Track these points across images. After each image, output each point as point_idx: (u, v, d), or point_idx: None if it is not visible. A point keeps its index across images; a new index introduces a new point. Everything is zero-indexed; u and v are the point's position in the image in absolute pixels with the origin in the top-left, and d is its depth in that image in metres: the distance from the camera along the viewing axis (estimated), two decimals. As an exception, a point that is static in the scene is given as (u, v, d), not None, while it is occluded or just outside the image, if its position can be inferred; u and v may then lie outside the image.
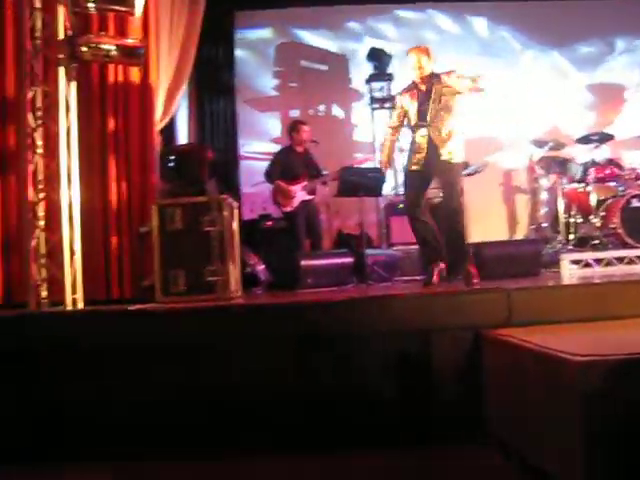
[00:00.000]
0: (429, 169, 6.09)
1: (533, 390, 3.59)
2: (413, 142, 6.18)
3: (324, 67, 10.12)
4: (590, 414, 3.07)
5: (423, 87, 6.14)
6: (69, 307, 5.20)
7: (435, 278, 5.90)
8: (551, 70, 10.18)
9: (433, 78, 6.12)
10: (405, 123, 6.30)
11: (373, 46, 9.61)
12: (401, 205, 8.08)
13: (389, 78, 9.46)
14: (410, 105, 6.16)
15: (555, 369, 3.33)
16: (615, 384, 3.10)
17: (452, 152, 6.07)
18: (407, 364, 4.35)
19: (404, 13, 10.15)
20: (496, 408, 4.14)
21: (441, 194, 6.32)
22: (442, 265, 5.99)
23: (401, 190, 8.24)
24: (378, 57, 9.48)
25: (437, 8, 10.17)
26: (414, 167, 6.13)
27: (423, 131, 6.08)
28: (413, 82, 6.24)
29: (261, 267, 7.24)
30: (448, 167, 6.05)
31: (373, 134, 9.01)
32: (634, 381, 3.13)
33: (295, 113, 9.97)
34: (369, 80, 9.35)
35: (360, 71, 9.81)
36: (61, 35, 5.35)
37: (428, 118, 6.07)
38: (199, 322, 4.55)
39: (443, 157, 6.03)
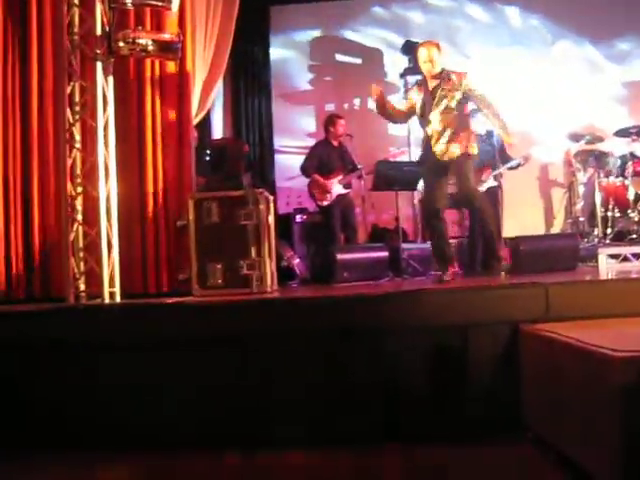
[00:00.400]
0: (440, 164, 6.06)
1: (571, 385, 3.56)
2: (422, 138, 6.24)
3: (359, 60, 10.12)
4: (630, 410, 3.04)
5: (433, 83, 6.11)
6: (107, 300, 5.26)
7: (449, 278, 5.89)
8: (584, 63, 10.07)
9: (444, 76, 6.09)
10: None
11: (408, 39, 9.56)
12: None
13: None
14: (418, 99, 6.15)
15: (594, 365, 3.29)
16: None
17: (458, 146, 6.04)
18: (444, 359, 4.33)
19: (434, 1, 10.09)
20: (533, 403, 4.11)
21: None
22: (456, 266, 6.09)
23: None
24: (413, 50, 9.42)
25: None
26: (425, 164, 6.22)
27: (431, 127, 6.07)
28: (424, 77, 6.23)
29: (297, 261, 7.27)
30: (457, 161, 6.04)
31: (408, 128, 8.95)
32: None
33: (330, 107, 9.97)
34: (403, 74, 9.30)
35: (396, 64, 9.77)
36: (98, 30, 5.41)
37: (434, 114, 6.06)
38: (236, 315, 4.58)
39: (451, 151, 6.02)
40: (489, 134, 7.77)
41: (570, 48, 10.09)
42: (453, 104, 6.05)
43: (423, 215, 6.20)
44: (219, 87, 7.57)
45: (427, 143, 6.13)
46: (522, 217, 9.68)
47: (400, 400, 4.31)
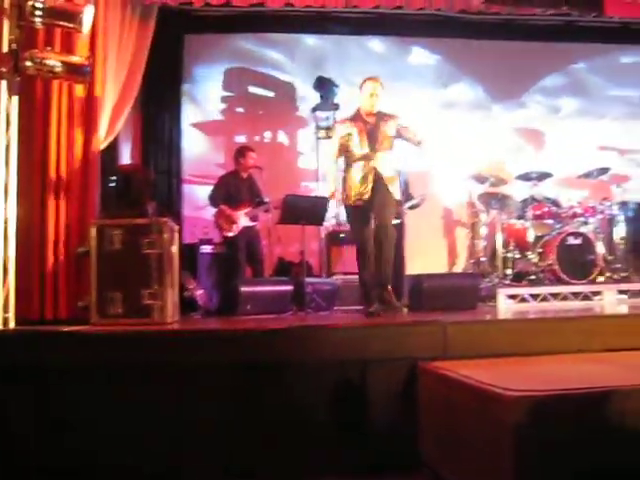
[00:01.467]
0: (372, 203, 6.11)
1: (466, 423, 3.62)
2: (356, 175, 6.19)
3: (271, 94, 10.14)
4: (520, 448, 3.11)
5: (371, 119, 6.19)
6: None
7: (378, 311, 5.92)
8: (481, 107, 10.45)
9: (381, 114, 6.20)
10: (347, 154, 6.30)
11: (320, 75, 9.67)
12: (342, 235, 8.15)
13: (335, 108, 9.50)
14: (357, 136, 6.16)
15: (487, 403, 3.37)
16: (545, 419, 3.15)
17: (396, 187, 6.14)
18: (344, 395, 4.34)
19: (344, 40, 10.24)
20: (431, 439, 4.16)
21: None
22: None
23: (343, 219, 8.30)
24: (324, 86, 9.52)
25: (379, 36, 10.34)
26: (359, 201, 6.16)
27: (370, 163, 6.12)
28: (359, 112, 6.26)
29: (200, 292, 7.18)
30: (391, 202, 6.12)
31: (317, 162, 9.04)
32: (564, 417, 3.18)
33: (241, 139, 9.95)
34: (315, 109, 9.39)
35: (307, 99, 9.86)
36: (5, 48, 5.28)
37: (376, 151, 6.12)
38: (133, 345, 4.48)
39: (389, 191, 6.10)
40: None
41: (465, 91, 10.44)
42: (392, 141, 6.21)
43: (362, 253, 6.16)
44: (129, 112, 7.46)
45: (376, 178, 6.11)
46: (425, 255, 9.84)
47: (304, 434, 4.28)
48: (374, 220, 6.17)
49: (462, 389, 3.69)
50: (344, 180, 6.30)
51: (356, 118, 6.28)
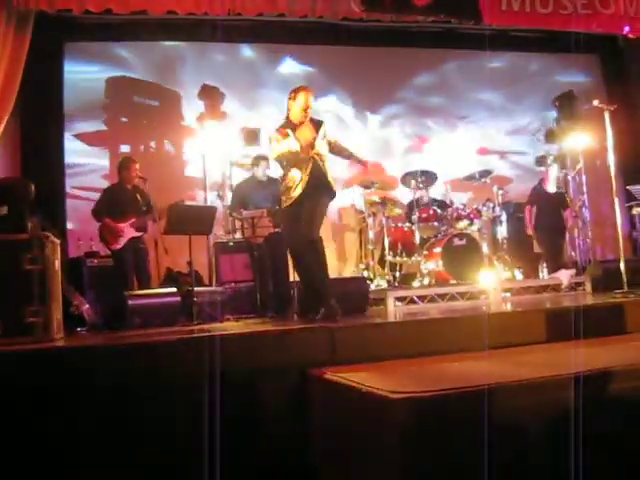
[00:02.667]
0: (302, 205, 6.04)
1: (356, 427, 3.64)
2: (293, 178, 6.08)
3: (156, 103, 10.00)
4: (407, 450, 3.14)
5: (309, 127, 6.13)
6: None
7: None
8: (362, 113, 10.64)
9: (316, 121, 6.18)
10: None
11: (205, 83, 9.61)
12: (231, 243, 8.09)
13: (222, 115, 9.47)
14: (294, 143, 6.02)
15: (375, 406, 3.39)
16: (430, 420, 3.20)
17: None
18: (233, 405, 4.28)
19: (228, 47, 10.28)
20: (322, 446, 4.15)
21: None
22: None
23: (230, 227, 8.27)
24: (210, 95, 9.47)
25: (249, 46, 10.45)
26: (292, 203, 6.07)
27: (309, 168, 6.04)
28: (292, 122, 6.15)
29: (86, 307, 6.99)
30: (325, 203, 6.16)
31: (204, 171, 8.97)
32: (448, 416, 3.23)
33: (125, 148, 9.78)
34: (200, 118, 9.31)
35: (193, 108, 9.77)
36: None
37: (317, 156, 6.07)
38: (15, 366, 4.31)
39: (329, 194, 6.12)
40: (271, 180, 7.97)
41: (345, 96, 10.68)
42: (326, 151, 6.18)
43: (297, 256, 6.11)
44: (6, 124, 7.23)
45: (316, 182, 6.03)
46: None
47: (192, 450, 4.20)
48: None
49: (350, 393, 3.70)
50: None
51: (293, 125, 6.15)
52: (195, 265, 7.51)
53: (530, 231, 9.16)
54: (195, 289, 6.69)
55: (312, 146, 6.05)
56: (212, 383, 4.22)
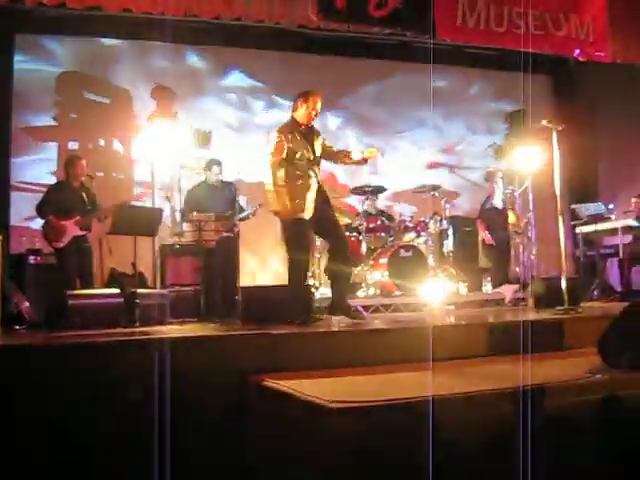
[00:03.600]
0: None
1: (294, 434, 3.62)
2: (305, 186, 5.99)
3: (107, 100, 9.88)
4: (344, 460, 3.13)
5: (311, 132, 6.14)
6: None
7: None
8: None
9: (314, 129, 6.20)
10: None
11: (158, 83, 9.53)
12: (177, 246, 8.02)
13: (173, 116, 9.39)
14: (298, 147, 5.98)
15: (313, 415, 3.38)
16: (368, 430, 3.19)
17: None
18: (172, 407, 4.22)
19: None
20: (262, 446, 4.10)
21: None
22: None
23: (177, 229, 8.21)
24: (162, 95, 9.39)
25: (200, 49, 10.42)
26: (306, 214, 5.98)
27: (317, 178, 6.06)
28: (298, 123, 6.08)
29: (26, 305, 6.86)
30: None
31: (152, 172, 8.87)
32: (388, 428, 3.23)
33: (74, 145, 9.63)
34: (151, 117, 9.22)
35: (144, 108, 9.67)
36: None
37: (318, 167, 6.10)
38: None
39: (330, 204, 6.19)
40: (224, 184, 7.94)
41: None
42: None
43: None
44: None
45: (319, 192, 6.04)
46: (262, 268, 9.91)
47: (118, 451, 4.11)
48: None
49: (290, 402, 3.69)
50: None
51: (294, 127, 6.09)
52: (141, 267, 7.43)
53: (488, 242, 9.28)
54: (139, 291, 6.60)
55: (316, 152, 6.11)
56: (151, 386, 4.17)
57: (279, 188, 5.92)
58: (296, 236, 6.09)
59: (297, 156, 5.97)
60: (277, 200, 5.96)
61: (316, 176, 6.06)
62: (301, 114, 6.08)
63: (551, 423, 3.41)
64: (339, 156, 6.50)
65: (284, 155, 5.94)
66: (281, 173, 5.91)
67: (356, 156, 6.42)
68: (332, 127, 10.87)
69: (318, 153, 6.14)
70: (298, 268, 6.16)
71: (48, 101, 9.67)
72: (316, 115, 6.11)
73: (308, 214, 5.96)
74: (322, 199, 6.11)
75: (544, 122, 6.77)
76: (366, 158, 6.43)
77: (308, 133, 6.12)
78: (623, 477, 3.35)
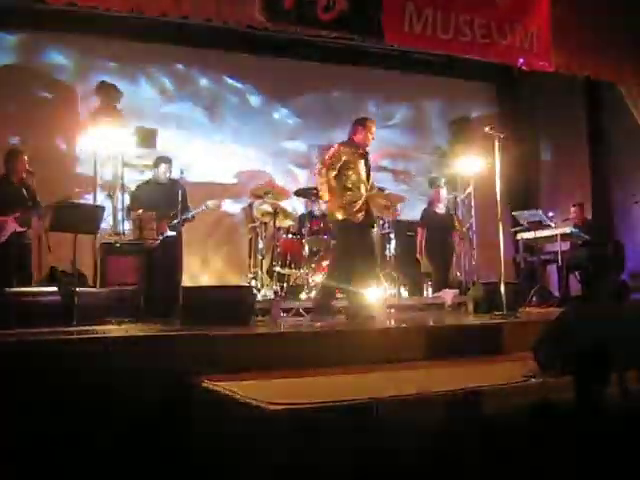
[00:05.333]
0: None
1: (233, 435, 3.61)
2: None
3: (50, 96, 9.71)
4: (281, 461, 3.14)
5: (366, 155, 6.84)
6: None
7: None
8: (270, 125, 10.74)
9: (368, 154, 6.91)
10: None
11: (103, 80, 9.42)
12: (118, 244, 7.93)
13: (118, 113, 9.29)
14: (352, 163, 6.70)
15: (250, 416, 3.38)
16: (306, 431, 3.20)
17: None
18: (107, 412, 4.16)
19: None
20: (203, 455, 4.08)
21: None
22: None
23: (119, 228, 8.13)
24: (106, 92, 9.29)
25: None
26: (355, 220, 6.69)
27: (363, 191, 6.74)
28: (357, 145, 6.80)
29: (-40, 302, 6.70)
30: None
31: (95, 170, 8.75)
32: (324, 430, 3.24)
33: (14, 141, 9.42)
34: (94, 114, 9.11)
35: (88, 104, 9.54)
36: None
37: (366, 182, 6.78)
38: None
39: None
40: (172, 182, 7.88)
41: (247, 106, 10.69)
42: None
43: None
44: None
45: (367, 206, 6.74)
46: (204, 268, 9.86)
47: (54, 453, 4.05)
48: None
49: (228, 403, 3.68)
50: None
51: (355, 149, 6.79)
52: (80, 265, 7.33)
53: (419, 255, 9.40)
54: (78, 289, 6.50)
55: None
56: (88, 386, 4.11)
57: (332, 196, 6.72)
58: (344, 240, 6.82)
59: (350, 171, 6.69)
60: (331, 206, 6.85)
61: (365, 191, 6.75)
62: (360, 138, 6.81)
63: (485, 427, 3.46)
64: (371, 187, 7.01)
65: (338, 166, 6.66)
66: (333, 182, 6.66)
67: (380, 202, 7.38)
68: (284, 126, 10.91)
69: (366, 173, 6.82)
70: (342, 270, 6.76)
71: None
72: (373, 138, 6.87)
73: (357, 221, 6.68)
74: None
75: (487, 129, 6.87)
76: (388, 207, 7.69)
77: (364, 155, 6.84)
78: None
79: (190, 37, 9.83)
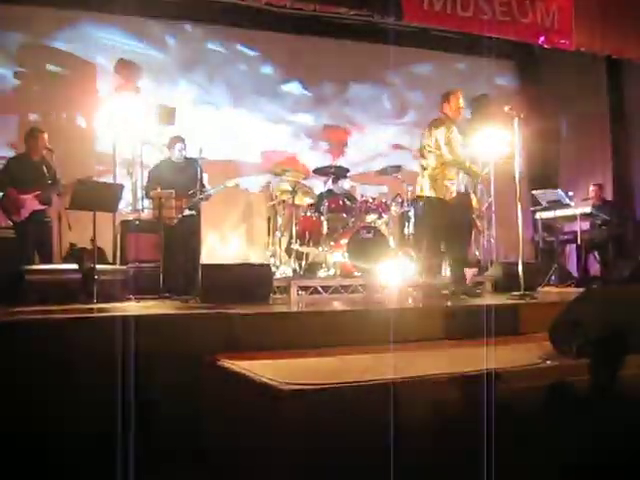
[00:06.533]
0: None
1: (248, 415, 3.63)
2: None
3: (69, 72, 9.73)
4: (297, 443, 3.15)
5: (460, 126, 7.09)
6: None
7: None
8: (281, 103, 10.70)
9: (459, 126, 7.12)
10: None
11: (122, 57, 9.43)
12: (137, 222, 7.98)
13: (137, 91, 9.31)
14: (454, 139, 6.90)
15: (266, 396, 3.39)
16: (322, 413, 3.21)
17: None
18: (129, 390, 4.19)
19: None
20: (215, 428, 4.10)
21: None
22: None
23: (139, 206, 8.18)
24: (126, 69, 9.30)
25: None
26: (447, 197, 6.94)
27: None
28: (450, 119, 6.97)
29: (-19, 279, 6.76)
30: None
31: (114, 147, 8.78)
32: (341, 411, 3.25)
33: (35, 117, 9.48)
34: (114, 91, 9.12)
35: (108, 81, 9.57)
36: None
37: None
38: None
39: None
40: (188, 161, 7.89)
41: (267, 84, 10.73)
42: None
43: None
44: None
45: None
46: (223, 246, 9.90)
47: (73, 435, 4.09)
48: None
49: (243, 382, 3.69)
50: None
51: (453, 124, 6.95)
52: (101, 243, 7.38)
53: None
54: (98, 267, 6.55)
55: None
56: (106, 365, 4.15)
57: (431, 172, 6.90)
58: (437, 217, 7.01)
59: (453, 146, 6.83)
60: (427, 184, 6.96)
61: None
62: (448, 111, 6.97)
63: (501, 408, 3.46)
64: None
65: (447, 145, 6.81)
66: (432, 161, 6.88)
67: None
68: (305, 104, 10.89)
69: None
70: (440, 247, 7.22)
71: (9, 73, 9.50)
72: (462, 108, 7.06)
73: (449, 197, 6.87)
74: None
75: (506, 109, 6.83)
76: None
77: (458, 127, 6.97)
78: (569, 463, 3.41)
79: (208, 13, 9.83)
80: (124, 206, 8.30)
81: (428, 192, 6.93)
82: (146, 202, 8.33)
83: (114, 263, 8.01)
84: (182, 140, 8.12)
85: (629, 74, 10.78)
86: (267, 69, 10.72)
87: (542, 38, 8.81)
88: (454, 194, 6.91)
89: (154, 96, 9.51)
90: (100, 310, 5.55)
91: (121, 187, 7.23)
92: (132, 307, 5.91)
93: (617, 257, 9.44)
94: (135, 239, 7.88)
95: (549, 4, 8.72)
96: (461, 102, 6.98)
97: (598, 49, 9.36)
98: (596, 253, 9.91)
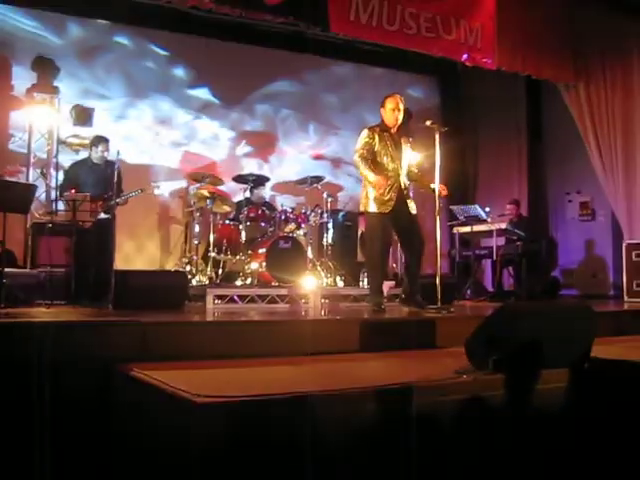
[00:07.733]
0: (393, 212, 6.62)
1: (161, 427, 3.53)
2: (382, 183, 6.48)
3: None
4: (211, 457, 3.07)
5: (399, 136, 6.71)
6: None
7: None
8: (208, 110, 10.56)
9: (402, 134, 6.77)
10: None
11: (40, 55, 9.15)
12: (50, 225, 7.74)
13: (55, 91, 9.05)
14: (384, 148, 6.59)
15: (179, 408, 3.30)
16: (236, 426, 3.14)
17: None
18: (31, 400, 4.01)
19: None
20: (128, 443, 3.97)
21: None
22: None
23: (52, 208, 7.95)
24: (44, 67, 9.03)
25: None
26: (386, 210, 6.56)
27: (401, 178, 6.65)
28: (386, 125, 6.65)
29: None
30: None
31: (28, 147, 8.52)
32: (256, 424, 3.18)
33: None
34: (31, 90, 8.87)
35: (23, 77, 9.26)
36: None
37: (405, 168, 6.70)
38: None
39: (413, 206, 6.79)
40: (109, 164, 7.70)
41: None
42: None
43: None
44: None
45: (400, 191, 6.55)
46: (137, 252, 9.71)
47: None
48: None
49: (156, 394, 3.59)
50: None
51: (382, 129, 6.63)
52: (10, 245, 7.13)
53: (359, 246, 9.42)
54: (6, 270, 6.32)
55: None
56: (11, 374, 3.97)
57: (364, 183, 6.61)
58: (375, 229, 6.64)
59: (382, 156, 6.55)
60: (362, 194, 6.68)
61: (398, 177, 6.57)
62: (385, 117, 6.65)
63: (416, 422, 3.45)
64: (416, 176, 6.97)
65: (368, 153, 6.52)
66: (365, 170, 6.46)
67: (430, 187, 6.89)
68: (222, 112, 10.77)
69: (404, 157, 6.66)
70: (376, 259, 6.71)
71: None
72: (399, 113, 6.61)
73: (387, 210, 6.53)
74: (402, 200, 6.60)
75: (427, 123, 6.86)
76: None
77: (396, 136, 6.66)
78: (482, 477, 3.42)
79: (131, 15, 9.63)
80: (37, 207, 8.05)
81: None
82: (60, 204, 8.09)
83: (24, 267, 7.76)
84: (106, 141, 7.90)
85: (548, 92, 11.06)
86: (189, 75, 10.53)
87: (465, 56, 8.92)
88: None
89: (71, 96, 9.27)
90: (7, 315, 5.33)
91: (34, 188, 7.01)
92: (41, 313, 5.70)
93: (530, 273, 9.62)
94: (47, 242, 7.61)
95: (472, 22, 8.84)
96: (397, 106, 6.65)
97: (520, 69, 9.56)
98: (510, 268, 10.09)
